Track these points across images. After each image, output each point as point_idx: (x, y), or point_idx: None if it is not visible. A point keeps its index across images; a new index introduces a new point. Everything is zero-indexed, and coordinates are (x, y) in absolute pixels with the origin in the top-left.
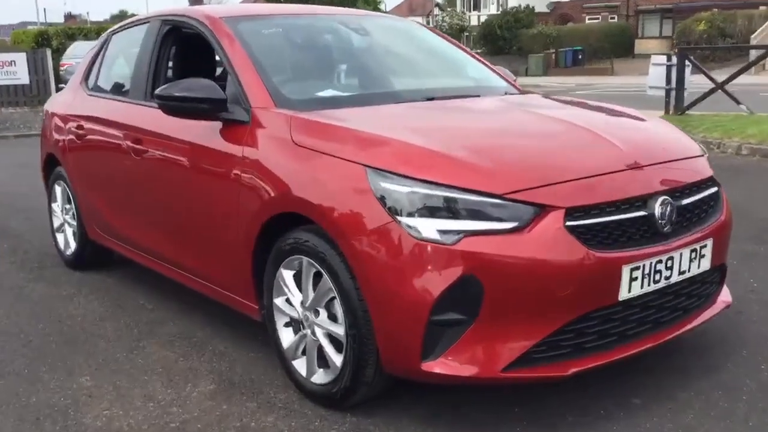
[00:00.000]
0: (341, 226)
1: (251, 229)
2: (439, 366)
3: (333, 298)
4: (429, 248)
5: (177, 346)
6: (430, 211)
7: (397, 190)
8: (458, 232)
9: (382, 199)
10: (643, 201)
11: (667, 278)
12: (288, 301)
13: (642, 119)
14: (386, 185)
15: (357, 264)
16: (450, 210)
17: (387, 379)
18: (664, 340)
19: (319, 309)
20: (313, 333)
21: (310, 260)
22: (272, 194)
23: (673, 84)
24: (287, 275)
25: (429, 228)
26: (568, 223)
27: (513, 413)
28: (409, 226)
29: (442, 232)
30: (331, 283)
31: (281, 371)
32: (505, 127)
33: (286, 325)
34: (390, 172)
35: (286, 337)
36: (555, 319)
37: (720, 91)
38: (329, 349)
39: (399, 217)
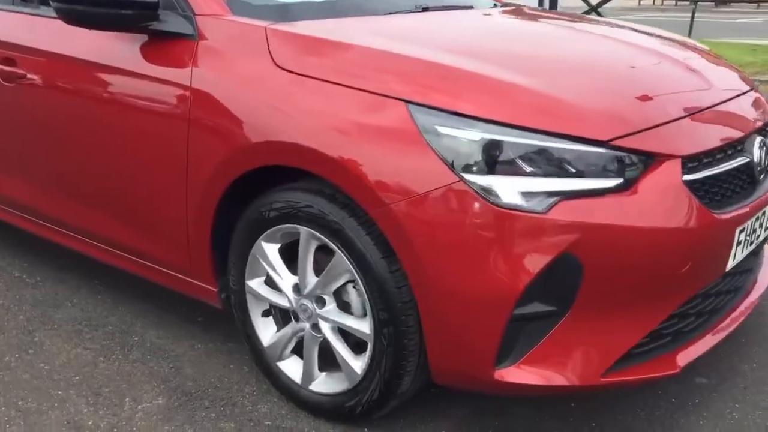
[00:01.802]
0: (375, 187)
1: (211, 190)
2: (518, 374)
3: (349, 283)
4: (513, 218)
5: (88, 339)
6: (512, 167)
7: (463, 137)
8: (551, 194)
9: (437, 151)
10: (742, 144)
11: (757, 238)
12: (268, 283)
13: (693, 43)
14: (445, 130)
15: (400, 240)
16: (539, 164)
17: (422, 386)
18: (751, 308)
19: (324, 296)
20: (315, 327)
21: (314, 231)
22: (247, 140)
23: (546, 5)
24: (270, 250)
25: (510, 190)
26: (685, 177)
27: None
28: (483, 189)
29: (529, 195)
30: (349, 263)
31: (251, 371)
32: (568, 51)
33: (265, 314)
34: (449, 112)
35: (266, 330)
36: (667, 303)
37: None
38: (342, 349)
39: (467, 175)
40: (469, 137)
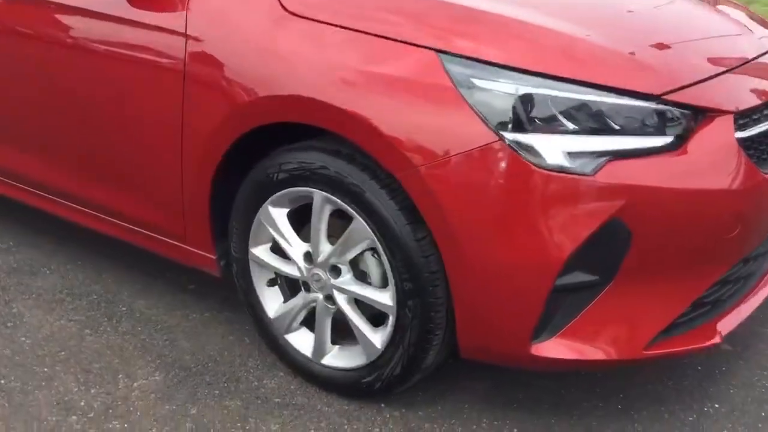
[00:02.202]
0: (401, 148)
1: (210, 151)
2: (555, 349)
3: (367, 251)
4: (557, 181)
5: (72, 310)
6: (556, 124)
7: (502, 90)
8: (599, 154)
9: (473, 106)
10: None
11: None
12: (274, 251)
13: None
14: (482, 83)
15: (429, 206)
16: (585, 121)
17: (444, 359)
18: None
19: (340, 265)
20: (329, 299)
21: (329, 195)
22: (252, 95)
23: None
24: (278, 215)
25: (554, 150)
26: (738, 134)
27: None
28: (525, 148)
29: (574, 155)
30: (370, 230)
31: (253, 343)
32: (616, 0)
33: (270, 283)
34: (486, 63)
35: (272, 301)
36: (714, 269)
37: None
38: (359, 322)
39: (506, 134)
40: (508, 91)
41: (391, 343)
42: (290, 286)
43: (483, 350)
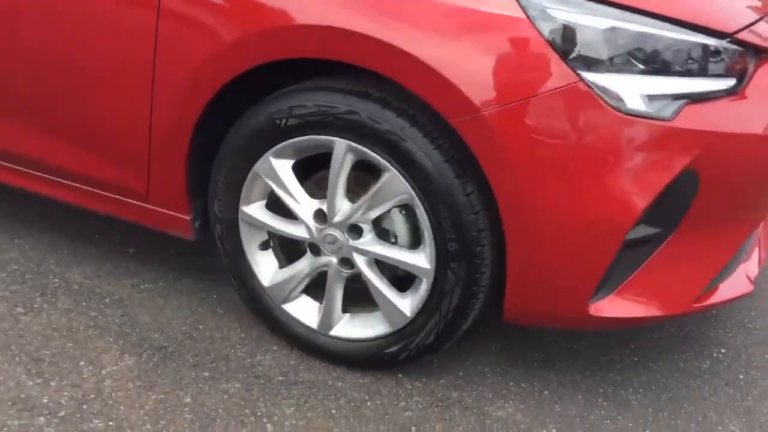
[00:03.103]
0: (463, 88)
1: (193, 96)
2: (613, 307)
3: (395, 208)
4: (637, 126)
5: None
6: (635, 63)
7: (580, 23)
8: (677, 97)
9: (549, 41)
10: None
11: None
12: (270, 208)
13: None
14: (557, 14)
15: (491, 154)
16: (663, 60)
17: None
18: None
19: (362, 225)
20: (344, 262)
21: (356, 144)
22: (256, 24)
23: None
24: (282, 168)
25: (633, 92)
26: None
27: None
28: (603, 90)
29: (653, 98)
30: (407, 184)
31: (227, 313)
32: None
33: (263, 246)
34: None
35: (266, 266)
36: (758, 216)
37: None
38: (383, 287)
39: (585, 74)
40: (588, 23)
41: (424, 309)
42: (286, 249)
43: (532, 313)
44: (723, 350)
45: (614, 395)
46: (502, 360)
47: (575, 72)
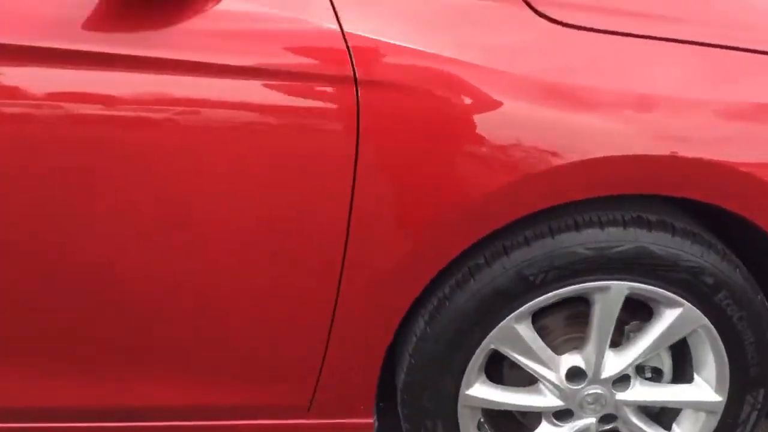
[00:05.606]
0: None
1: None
2: None
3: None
4: None
5: None
6: None
7: None
8: None
9: None
10: None
11: None
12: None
13: None
14: None
15: None
16: None
17: None
18: None
19: (629, 373)
20: (605, 420)
21: (641, 284)
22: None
23: None
24: (525, 332)
25: None
26: None
27: None
28: None
29: None
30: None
31: None
32: None
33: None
34: None
35: None
36: None
37: None
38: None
39: None
40: None
41: None
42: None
43: None
44: None
45: None
46: None
47: None
